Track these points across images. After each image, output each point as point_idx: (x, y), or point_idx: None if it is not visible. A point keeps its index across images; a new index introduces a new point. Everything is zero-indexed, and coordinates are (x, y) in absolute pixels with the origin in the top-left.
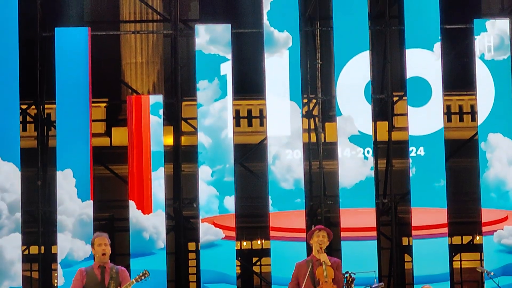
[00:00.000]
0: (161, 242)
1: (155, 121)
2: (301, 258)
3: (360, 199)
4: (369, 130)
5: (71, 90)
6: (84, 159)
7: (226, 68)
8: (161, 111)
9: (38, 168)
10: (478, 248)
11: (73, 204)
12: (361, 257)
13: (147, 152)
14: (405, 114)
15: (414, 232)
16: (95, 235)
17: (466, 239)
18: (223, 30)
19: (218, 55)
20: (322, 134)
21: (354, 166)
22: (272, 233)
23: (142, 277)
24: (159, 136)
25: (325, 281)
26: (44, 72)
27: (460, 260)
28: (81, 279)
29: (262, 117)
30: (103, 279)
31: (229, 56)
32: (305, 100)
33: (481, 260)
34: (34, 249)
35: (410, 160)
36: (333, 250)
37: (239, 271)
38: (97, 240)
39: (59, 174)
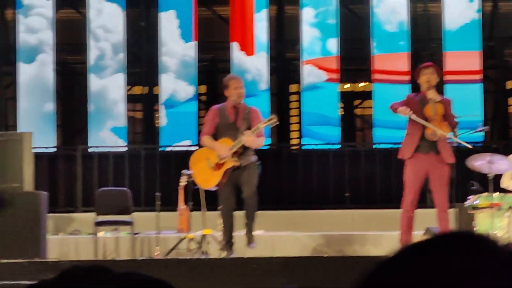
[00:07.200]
0: (264, 84)
1: None
2: None
3: (465, 42)
4: None
5: None
6: (188, 0)
7: None
8: None
9: (141, 9)
10: None
11: (176, 45)
12: (465, 100)
13: None
14: None
15: None
16: (230, 77)
17: None
18: None
19: None
20: None
21: (459, 9)
22: (374, 76)
23: (269, 122)
24: None
25: (433, 119)
26: None
27: None
28: (213, 118)
29: None
30: (236, 119)
31: None
32: None
33: None
34: (137, 90)
35: None
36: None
37: (342, 113)
38: (233, 82)
39: (162, 15)
